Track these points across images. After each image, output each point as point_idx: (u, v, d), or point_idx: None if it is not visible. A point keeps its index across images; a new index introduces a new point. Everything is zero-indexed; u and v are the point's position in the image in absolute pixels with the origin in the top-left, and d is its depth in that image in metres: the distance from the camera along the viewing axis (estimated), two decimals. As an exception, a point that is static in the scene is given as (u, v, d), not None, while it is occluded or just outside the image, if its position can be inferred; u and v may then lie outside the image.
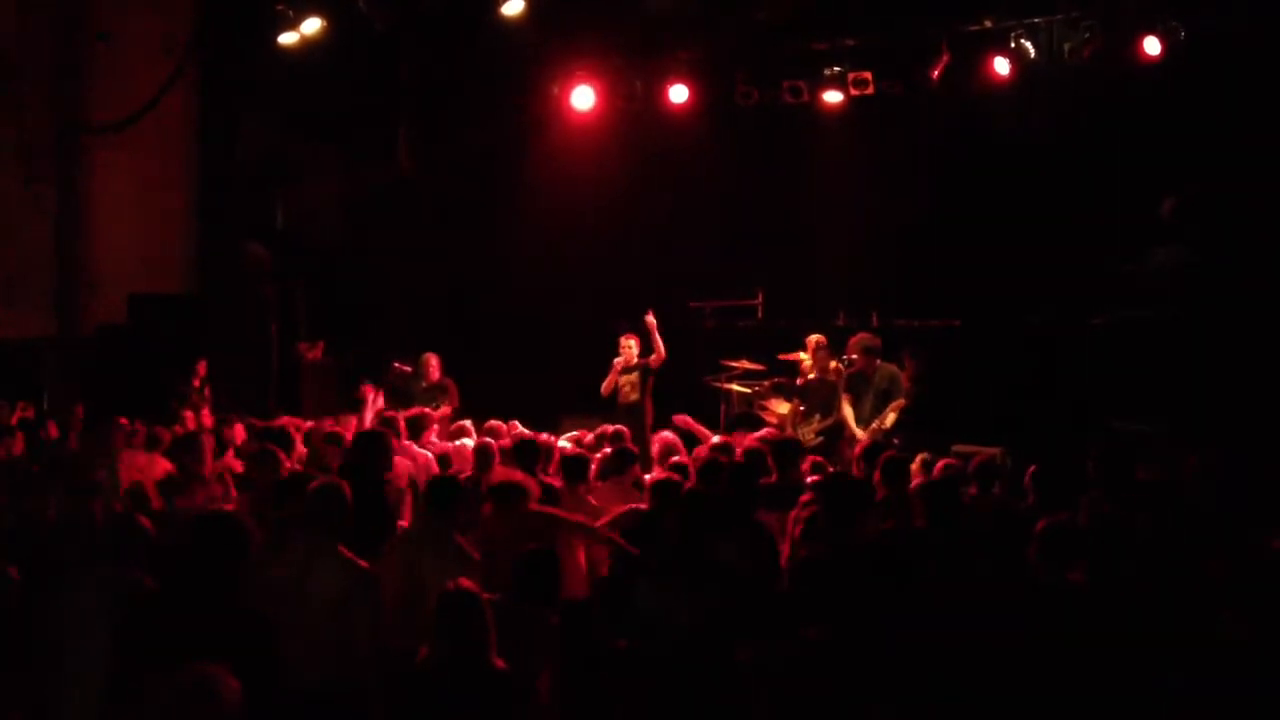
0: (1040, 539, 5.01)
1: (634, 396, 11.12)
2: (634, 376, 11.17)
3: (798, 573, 5.27)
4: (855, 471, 7.59)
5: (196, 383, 12.26)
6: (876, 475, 6.90)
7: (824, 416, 10.40)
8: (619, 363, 11.19)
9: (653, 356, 11.07)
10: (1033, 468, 6.70)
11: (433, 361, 11.75)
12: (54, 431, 10.44)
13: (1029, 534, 5.09)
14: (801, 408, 10.69)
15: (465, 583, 4.62)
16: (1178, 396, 10.25)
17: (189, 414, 11.23)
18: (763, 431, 9.44)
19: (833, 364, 10.59)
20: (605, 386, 11.20)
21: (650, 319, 11.12)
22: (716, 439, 9.02)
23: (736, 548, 5.80)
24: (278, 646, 4.59)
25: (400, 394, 11.65)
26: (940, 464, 7.46)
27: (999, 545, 5.32)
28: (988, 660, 4.42)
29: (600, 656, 5.27)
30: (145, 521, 5.17)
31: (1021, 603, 4.72)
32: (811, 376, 10.70)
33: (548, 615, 4.97)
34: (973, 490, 7.02)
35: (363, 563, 5.09)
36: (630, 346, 11.22)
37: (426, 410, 9.97)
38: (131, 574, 4.84)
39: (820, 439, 10.02)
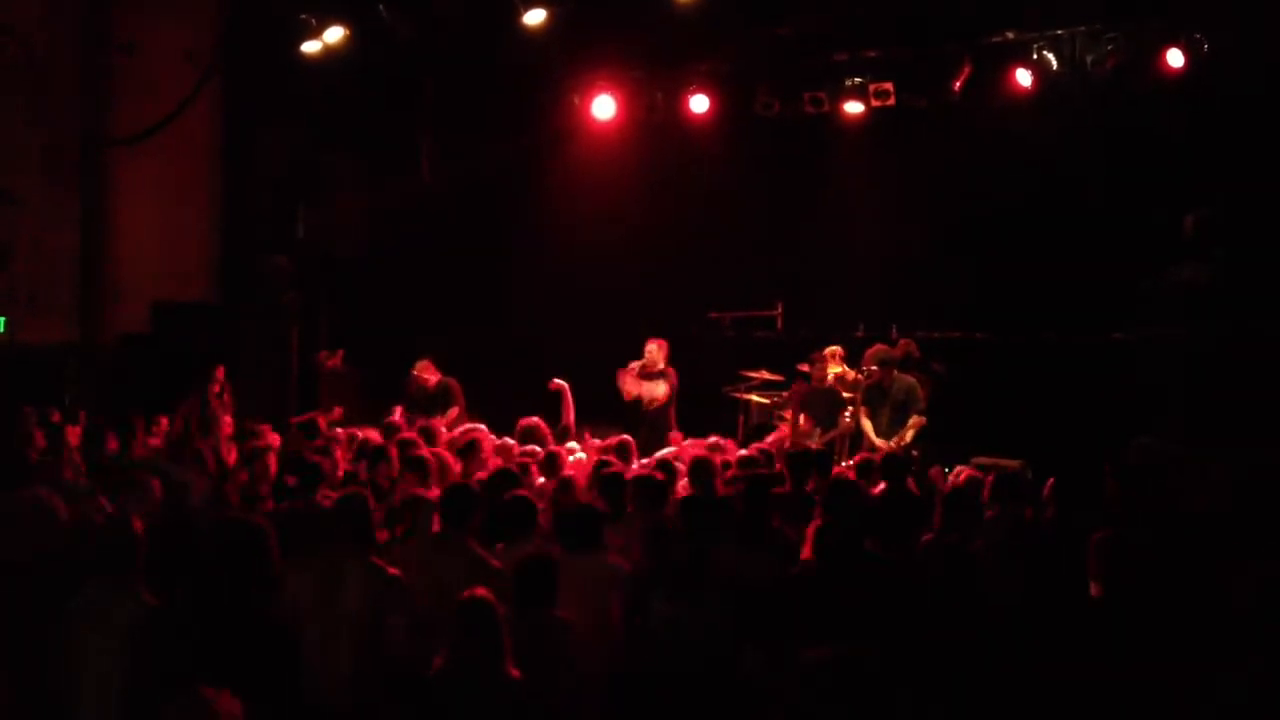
0: (1057, 554, 4.99)
1: (655, 406, 11.07)
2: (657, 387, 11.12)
3: (797, 584, 5.25)
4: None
5: (216, 388, 12.27)
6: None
7: (825, 428, 10.39)
8: (635, 365, 11.14)
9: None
10: (1051, 480, 6.67)
11: (421, 365, 11.69)
12: (73, 439, 10.46)
13: (1046, 548, 5.06)
14: (807, 420, 10.70)
15: (481, 591, 4.61)
16: (1198, 413, 10.17)
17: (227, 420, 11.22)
18: (769, 440, 9.41)
19: (833, 373, 10.58)
20: (627, 392, 11.16)
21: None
22: (743, 451, 8.96)
23: (754, 559, 5.77)
24: (301, 659, 4.57)
25: (418, 405, 11.65)
26: (963, 475, 7.47)
27: (1016, 559, 5.29)
28: (999, 676, 4.38)
29: (614, 673, 5.23)
30: (138, 526, 4.80)
31: (1034, 616, 4.68)
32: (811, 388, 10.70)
33: (561, 624, 4.95)
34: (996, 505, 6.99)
35: (393, 570, 5.09)
36: (653, 351, 11.18)
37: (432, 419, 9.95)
38: (128, 585, 4.61)
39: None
